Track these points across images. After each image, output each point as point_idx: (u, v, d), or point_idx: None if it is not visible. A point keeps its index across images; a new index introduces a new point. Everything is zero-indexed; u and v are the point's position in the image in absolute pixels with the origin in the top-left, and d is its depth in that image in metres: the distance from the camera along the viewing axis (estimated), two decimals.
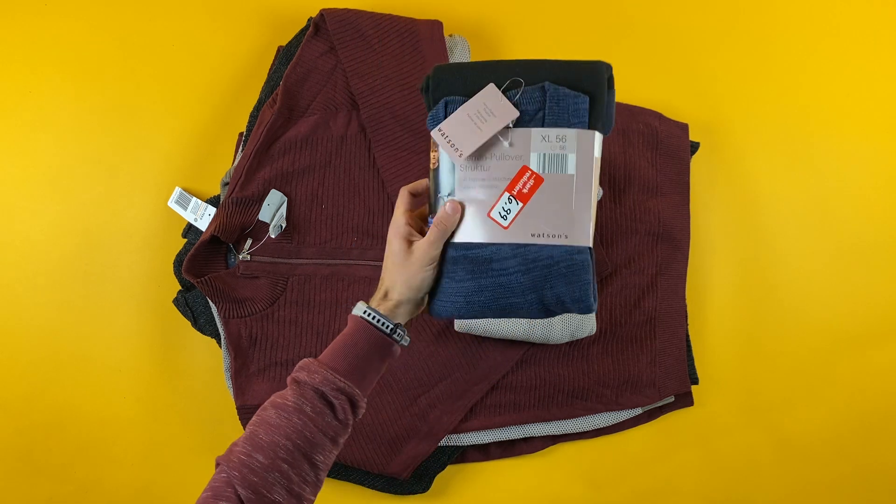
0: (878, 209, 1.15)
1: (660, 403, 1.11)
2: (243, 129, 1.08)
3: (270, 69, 1.07)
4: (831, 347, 1.15)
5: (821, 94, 1.16)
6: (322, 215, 1.04)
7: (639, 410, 1.10)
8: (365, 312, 0.74)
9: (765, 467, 1.16)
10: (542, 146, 0.74)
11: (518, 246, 0.73)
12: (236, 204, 1.01)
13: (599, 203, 1.06)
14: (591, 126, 0.73)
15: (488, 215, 0.74)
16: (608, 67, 0.74)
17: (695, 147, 1.12)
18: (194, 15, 1.11)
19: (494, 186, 0.74)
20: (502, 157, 0.74)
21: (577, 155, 0.73)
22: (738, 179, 1.15)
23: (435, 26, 1.06)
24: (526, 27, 1.14)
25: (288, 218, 1.03)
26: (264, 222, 1.03)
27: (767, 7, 1.16)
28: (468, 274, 0.74)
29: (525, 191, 0.74)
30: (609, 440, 1.12)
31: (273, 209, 1.02)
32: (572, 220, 0.73)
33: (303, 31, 1.06)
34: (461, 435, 1.06)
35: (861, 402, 1.16)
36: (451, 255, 0.75)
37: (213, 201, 1.06)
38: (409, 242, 0.75)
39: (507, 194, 0.74)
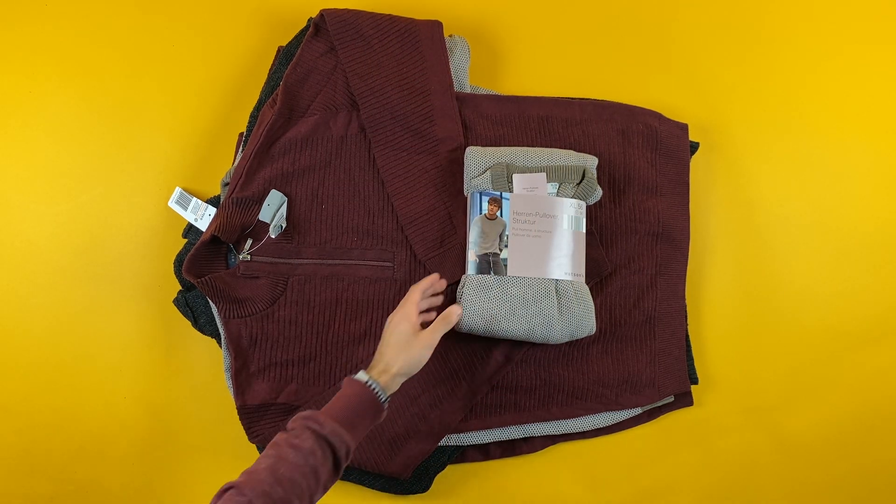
0: (878, 209, 1.16)
1: (659, 403, 1.11)
2: (243, 129, 1.08)
3: (270, 69, 1.07)
4: (831, 347, 1.16)
5: (820, 95, 1.16)
6: (322, 215, 1.04)
7: (638, 410, 1.10)
8: (367, 383, 0.85)
9: (764, 467, 1.16)
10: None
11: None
12: (236, 204, 1.01)
13: (599, 203, 1.07)
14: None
15: None
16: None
17: (694, 147, 1.12)
18: (194, 15, 1.11)
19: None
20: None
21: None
22: (737, 179, 1.16)
23: (435, 26, 1.06)
24: (526, 27, 1.14)
25: (288, 218, 1.03)
26: (264, 222, 1.03)
27: (767, 7, 1.16)
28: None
29: None
30: (609, 440, 1.13)
31: (273, 209, 1.02)
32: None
33: (303, 32, 1.06)
34: (461, 435, 1.06)
35: (861, 402, 1.16)
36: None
37: (214, 201, 1.06)
38: (416, 331, 0.90)
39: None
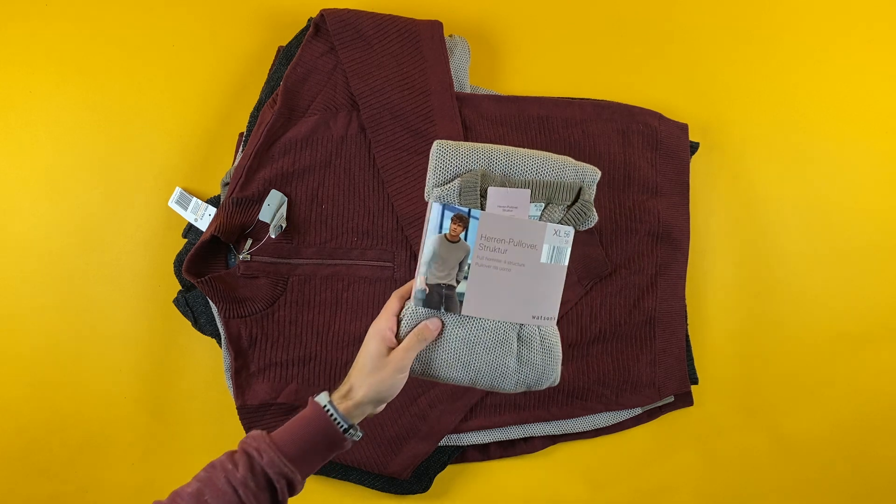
0: (878, 209, 1.16)
1: (660, 403, 1.11)
2: (243, 129, 1.08)
3: (270, 69, 1.07)
4: (831, 347, 1.16)
5: (820, 95, 1.16)
6: (322, 215, 1.04)
7: (638, 410, 1.10)
8: (325, 407, 0.76)
9: (764, 467, 1.16)
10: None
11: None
12: (236, 204, 1.01)
13: (599, 203, 1.07)
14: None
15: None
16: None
17: (694, 147, 1.12)
18: (194, 15, 1.11)
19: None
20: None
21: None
22: (737, 179, 1.16)
23: (435, 26, 1.06)
24: (526, 27, 1.14)
25: (288, 218, 1.03)
26: (264, 222, 1.03)
27: (767, 7, 1.16)
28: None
29: None
30: (609, 440, 1.13)
31: (273, 209, 1.02)
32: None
33: (303, 32, 1.06)
34: (461, 435, 1.06)
35: (860, 402, 1.16)
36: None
37: (214, 201, 1.06)
38: (388, 348, 0.78)
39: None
